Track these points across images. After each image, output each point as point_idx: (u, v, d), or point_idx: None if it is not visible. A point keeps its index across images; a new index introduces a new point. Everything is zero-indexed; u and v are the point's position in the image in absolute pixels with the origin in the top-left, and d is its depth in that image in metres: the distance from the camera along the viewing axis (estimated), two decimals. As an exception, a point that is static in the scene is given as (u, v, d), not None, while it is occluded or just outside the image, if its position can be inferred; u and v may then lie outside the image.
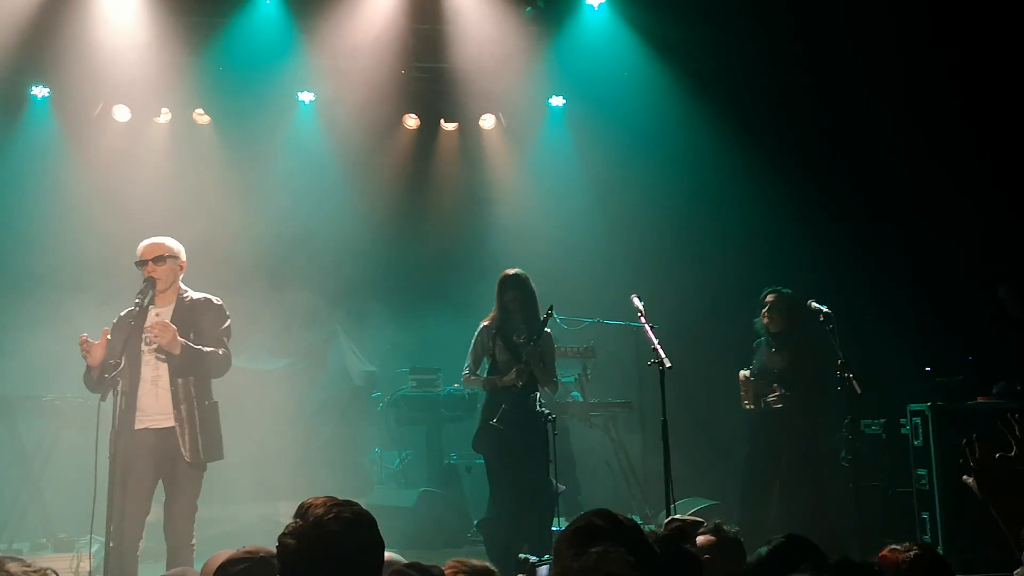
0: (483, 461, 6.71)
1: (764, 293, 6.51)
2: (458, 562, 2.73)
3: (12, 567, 2.13)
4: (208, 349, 4.67)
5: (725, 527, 3.44)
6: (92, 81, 7.71)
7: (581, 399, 7.47)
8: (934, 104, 7.57)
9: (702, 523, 3.40)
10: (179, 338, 4.53)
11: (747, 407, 6.42)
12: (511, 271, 5.91)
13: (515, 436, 5.65)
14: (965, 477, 3.01)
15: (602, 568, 1.94)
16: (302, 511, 2.23)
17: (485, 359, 5.86)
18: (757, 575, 2.85)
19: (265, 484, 7.24)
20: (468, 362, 5.91)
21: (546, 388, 5.96)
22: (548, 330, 5.99)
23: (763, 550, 2.92)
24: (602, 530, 2.38)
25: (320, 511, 2.19)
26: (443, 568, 2.71)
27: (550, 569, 2.64)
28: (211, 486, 6.29)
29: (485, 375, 5.84)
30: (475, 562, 2.75)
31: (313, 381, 8.52)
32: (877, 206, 7.94)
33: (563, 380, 7.34)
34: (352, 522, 2.19)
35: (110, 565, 4.39)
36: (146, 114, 8.19)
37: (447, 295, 8.28)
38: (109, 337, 4.56)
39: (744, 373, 6.45)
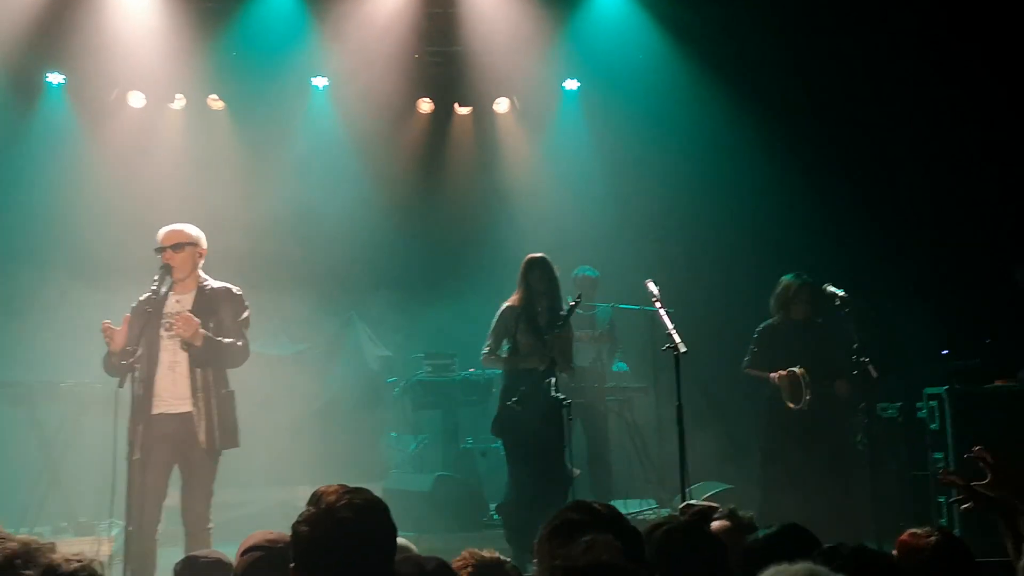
0: (499, 445, 6.76)
1: (790, 280, 6.27)
2: (469, 554, 2.71)
3: (55, 556, 2.16)
4: (228, 341, 4.71)
5: (740, 512, 3.44)
6: (107, 68, 7.74)
7: (627, 368, 7.44)
8: (954, 86, 7.49)
9: (717, 508, 3.40)
10: (201, 330, 4.56)
11: (792, 407, 6.06)
12: (537, 254, 5.92)
13: (534, 421, 5.65)
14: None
15: (591, 557, 1.92)
16: (315, 499, 2.24)
17: (506, 340, 5.84)
18: (751, 560, 2.83)
19: (283, 468, 7.29)
20: (489, 341, 5.87)
21: (563, 374, 5.94)
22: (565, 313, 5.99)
23: (760, 534, 2.92)
24: (580, 523, 2.38)
25: (332, 498, 2.21)
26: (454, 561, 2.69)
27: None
28: (230, 470, 6.32)
29: (505, 356, 5.84)
30: (485, 553, 2.73)
31: (329, 366, 8.55)
32: (895, 189, 7.88)
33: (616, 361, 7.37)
34: (364, 508, 2.20)
35: (130, 548, 4.44)
36: (161, 100, 8.21)
37: (462, 279, 8.28)
38: (129, 321, 4.58)
39: (799, 371, 6.06)
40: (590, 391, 7.16)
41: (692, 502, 3.80)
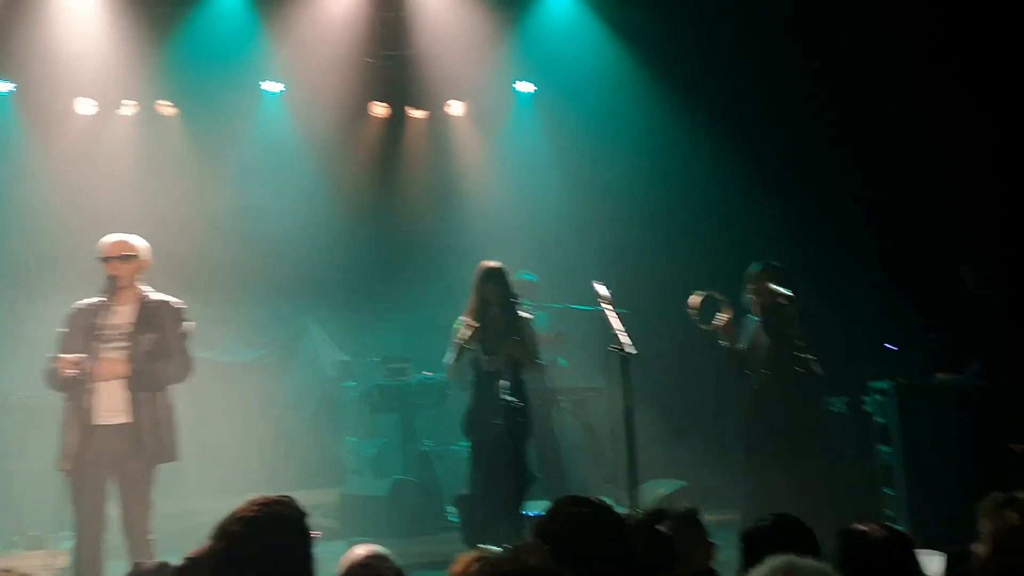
0: (459, 448, 6.80)
1: (760, 267, 6.11)
2: (475, 559, 2.38)
3: None
4: (161, 365, 4.63)
5: (663, 505, 3.57)
6: (56, 75, 7.64)
7: (567, 364, 7.47)
8: (900, 81, 7.62)
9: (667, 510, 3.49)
10: (128, 363, 4.52)
11: (704, 327, 5.82)
12: (492, 263, 5.84)
13: (493, 422, 5.70)
14: None
15: (517, 562, 1.95)
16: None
17: (466, 351, 5.85)
18: (749, 551, 2.91)
19: (241, 476, 7.22)
20: (449, 353, 5.90)
21: (532, 374, 5.99)
22: (527, 315, 6.02)
23: (753, 527, 2.99)
24: (583, 516, 2.43)
25: (236, 509, 2.21)
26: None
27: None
28: (187, 479, 6.29)
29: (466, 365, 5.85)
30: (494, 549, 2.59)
31: (287, 372, 8.52)
32: (843, 185, 8.01)
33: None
34: (256, 522, 2.20)
35: (76, 560, 4.42)
36: (111, 107, 8.12)
37: (418, 283, 8.28)
38: (71, 335, 4.54)
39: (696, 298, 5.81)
40: (535, 392, 7.17)
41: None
